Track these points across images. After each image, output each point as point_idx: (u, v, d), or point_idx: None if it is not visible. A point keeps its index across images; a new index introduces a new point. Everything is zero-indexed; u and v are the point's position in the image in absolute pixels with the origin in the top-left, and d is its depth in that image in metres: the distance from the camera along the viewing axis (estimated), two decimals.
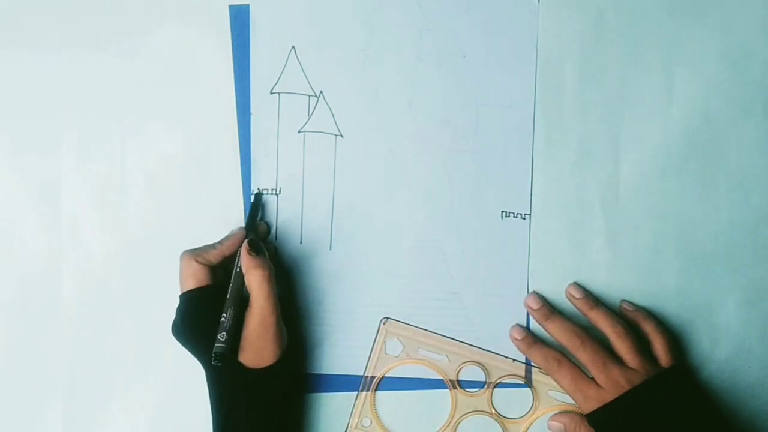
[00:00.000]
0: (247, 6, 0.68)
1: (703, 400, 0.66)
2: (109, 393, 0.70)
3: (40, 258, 0.70)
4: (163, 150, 0.69)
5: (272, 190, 0.69)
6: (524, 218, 0.68)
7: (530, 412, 0.68)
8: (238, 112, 0.69)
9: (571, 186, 0.68)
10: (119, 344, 0.70)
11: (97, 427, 0.70)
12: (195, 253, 0.63)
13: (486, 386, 0.68)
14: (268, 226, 0.68)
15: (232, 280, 0.62)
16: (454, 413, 0.68)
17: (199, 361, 0.63)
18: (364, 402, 0.67)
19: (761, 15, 0.67)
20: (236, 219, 0.69)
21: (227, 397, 0.62)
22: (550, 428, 0.67)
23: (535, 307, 0.67)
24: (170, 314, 0.69)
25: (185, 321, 0.63)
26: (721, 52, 0.67)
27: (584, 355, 0.63)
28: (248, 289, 0.61)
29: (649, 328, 0.65)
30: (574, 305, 0.66)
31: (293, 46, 0.68)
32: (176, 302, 0.69)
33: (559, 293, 0.68)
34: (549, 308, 0.67)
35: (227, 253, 0.64)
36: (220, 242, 0.65)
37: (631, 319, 0.66)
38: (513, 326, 0.67)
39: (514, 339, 0.67)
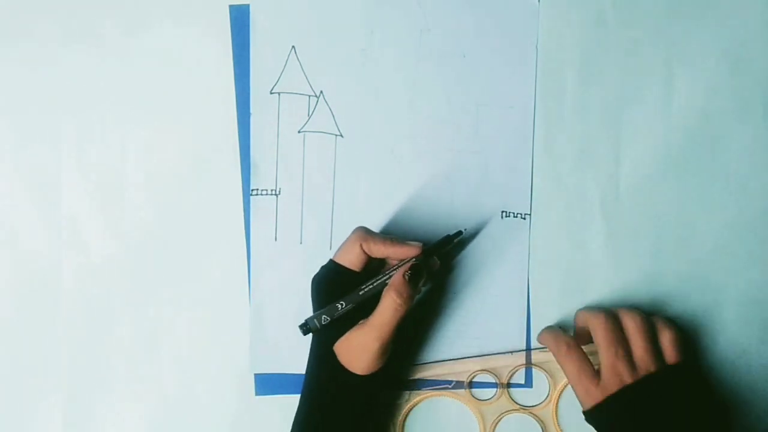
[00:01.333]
0: (247, 6, 0.68)
1: (705, 400, 0.64)
2: (109, 393, 0.70)
3: (40, 258, 0.70)
4: (162, 150, 0.69)
5: (272, 190, 0.69)
6: (524, 218, 0.68)
7: (550, 393, 0.68)
8: (238, 112, 0.69)
9: (571, 186, 0.68)
10: (119, 344, 0.70)
11: (97, 427, 0.70)
12: (364, 238, 0.62)
13: (499, 387, 0.68)
14: (439, 265, 0.65)
15: (374, 283, 0.61)
16: (484, 424, 0.68)
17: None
18: None
19: (761, 15, 0.67)
20: (236, 219, 0.69)
21: (312, 373, 0.63)
22: (539, 339, 0.66)
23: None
24: (170, 314, 0.70)
25: (320, 287, 0.63)
26: (721, 52, 0.67)
27: (597, 334, 0.61)
28: (379, 304, 0.60)
29: (659, 322, 0.63)
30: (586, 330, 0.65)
31: (293, 46, 0.68)
32: (176, 301, 0.70)
33: (559, 293, 0.68)
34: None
35: (392, 258, 0.62)
36: (392, 242, 0.62)
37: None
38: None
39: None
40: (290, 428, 0.64)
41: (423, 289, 0.66)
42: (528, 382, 0.68)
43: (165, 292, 0.70)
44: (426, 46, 0.68)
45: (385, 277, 0.62)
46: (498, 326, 0.68)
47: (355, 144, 0.68)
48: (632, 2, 0.67)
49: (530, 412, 0.68)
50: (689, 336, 0.67)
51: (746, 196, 0.67)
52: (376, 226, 0.68)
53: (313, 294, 0.64)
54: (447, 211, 0.68)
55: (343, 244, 0.63)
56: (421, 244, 0.62)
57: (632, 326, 0.62)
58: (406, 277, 0.60)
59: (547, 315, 0.68)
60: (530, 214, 0.68)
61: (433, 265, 0.64)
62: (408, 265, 0.61)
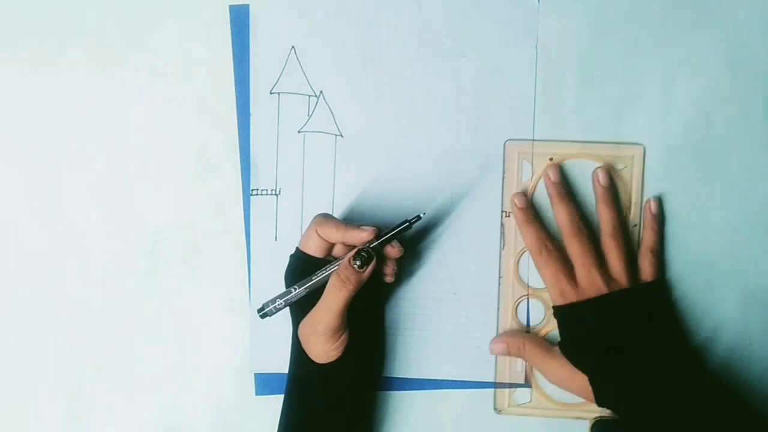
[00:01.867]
0: (247, 6, 0.68)
1: (673, 321, 0.67)
2: (109, 393, 0.70)
3: (40, 258, 0.70)
4: (163, 150, 0.69)
5: (272, 190, 0.69)
6: None
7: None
8: (238, 112, 0.69)
9: (571, 185, 0.68)
10: (119, 344, 0.70)
11: (97, 426, 0.70)
12: (322, 224, 0.62)
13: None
14: (401, 252, 0.63)
15: (327, 269, 0.62)
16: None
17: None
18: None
19: (761, 15, 0.66)
20: (236, 219, 0.69)
21: (289, 367, 0.64)
22: (492, 351, 0.67)
23: (520, 206, 0.66)
24: (170, 314, 0.70)
25: (287, 275, 0.64)
26: (721, 52, 0.67)
27: (578, 248, 0.64)
28: (326, 288, 0.60)
29: (647, 238, 0.65)
30: (595, 188, 0.66)
31: (293, 46, 0.68)
32: (176, 301, 0.70)
33: None
34: (532, 213, 0.66)
35: (347, 242, 0.62)
36: (345, 226, 0.62)
37: (644, 219, 0.66)
38: (515, 193, 0.67)
39: (513, 206, 0.66)
40: None
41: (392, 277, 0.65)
42: (528, 383, 0.68)
43: (165, 292, 0.70)
44: (426, 46, 0.68)
45: (338, 263, 0.62)
46: (498, 327, 0.68)
47: (355, 144, 0.68)
48: (632, 3, 0.67)
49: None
50: (689, 335, 0.67)
51: (746, 195, 0.67)
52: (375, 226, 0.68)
53: (284, 280, 0.65)
54: (447, 211, 0.68)
55: (305, 231, 0.64)
56: (374, 229, 0.61)
57: (611, 244, 0.64)
58: (351, 262, 0.60)
59: (546, 313, 0.68)
60: None
61: (391, 252, 0.63)
62: (354, 250, 0.61)
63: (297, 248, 0.64)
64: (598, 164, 0.67)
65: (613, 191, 0.66)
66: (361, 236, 0.61)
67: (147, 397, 0.70)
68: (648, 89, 0.67)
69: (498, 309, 0.68)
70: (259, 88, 0.68)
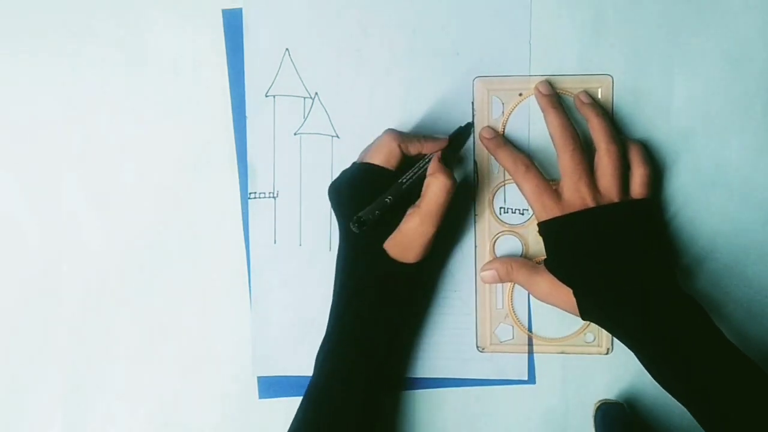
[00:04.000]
0: (240, 10, 0.68)
1: (657, 239, 0.66)
2: (110, 397, 0.71)
3: (40, 258, 0.70)
4: (160, 156, 0.69)
5: (270, 193, 0.69)
6: (522, 214, 0.68)
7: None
8: (233, 116, 0.69)
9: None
10: (121, 348, 0.70)
11: (97, 427, 0.71)
12: (399, 138, 0.63)
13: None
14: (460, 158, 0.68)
15: (413, 176, 0.63)
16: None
17: (340, 228, 0.65)
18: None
19: (761, 15, 0.65)
20: (235, 223, 0.69)
21: (359, 273, 0.64)
22: (483, 279, 0.68)
23: (488, 136, 0.67)
24: (172, 319, 0.70)
25: (352, 188, 0.64)
26: (721, 52, 0.66)
27: (569, 160, 0.63)
28: (424, 191, 0.61)
29: (635, 157, 0.64)
30: (580, 110, 0.65)
31: (287, 49, 0.68)
32: (177, 305, 0.70)
33: None
34: (502, 139, 0.67)
35: (426, 152, 0.64)
36: (424, 137, 0.64)
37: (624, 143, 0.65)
38: (483, 127, 0.67)
39: (483, 138, 0.67)
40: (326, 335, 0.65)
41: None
42: (531, 379, 0.69)
43: (167, 296, 0.70)
44: (419, 45, 0.67)
45: (419, 170, 0.63)
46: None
47: (351, 145, 0.68)
48: (631, 2, 0.66)
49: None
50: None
51: (746, 195, 0.67)
52: None
53: (342, 196, 0.65)
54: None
55: (374, 146, 0.64)
56: (446, 137, 0.65)
57: (605, 159, 0.63)
58: (441, 160, 0.62)
59: (545, 310, 0.68)
60: (528, 210, 0.68)
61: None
62: (440, 153, 0.63)
63: (363, 162, 0.64)
64: (569, 97, 0.66)
65: (601, 108, 0.65)
66: (441, 144, 0.64)
67: (149, 400, 0.70)
68: (648, 89, 0.66)
69: (475, 248, 0.68)
70: (254, 91, 0.68)
